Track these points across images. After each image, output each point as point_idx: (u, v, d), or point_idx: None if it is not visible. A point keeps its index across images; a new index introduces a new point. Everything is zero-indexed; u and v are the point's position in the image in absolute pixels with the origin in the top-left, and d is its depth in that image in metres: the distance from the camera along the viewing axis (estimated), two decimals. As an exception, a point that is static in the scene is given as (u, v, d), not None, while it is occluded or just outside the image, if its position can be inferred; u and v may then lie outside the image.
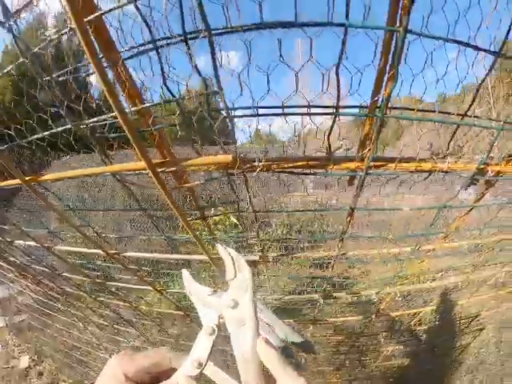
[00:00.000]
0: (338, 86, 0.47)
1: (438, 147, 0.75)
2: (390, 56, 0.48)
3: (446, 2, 0.51)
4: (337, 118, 0.54)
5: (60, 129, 0.64)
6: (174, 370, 0.47)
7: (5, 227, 2.16)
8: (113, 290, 1.95)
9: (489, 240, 1.19)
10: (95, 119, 0.58)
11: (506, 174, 0.70)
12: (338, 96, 0.48)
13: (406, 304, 1.83)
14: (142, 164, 0.55)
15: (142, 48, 0.49)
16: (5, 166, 0.85)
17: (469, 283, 1.74)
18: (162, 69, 0.50)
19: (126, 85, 0.50)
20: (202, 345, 0.48)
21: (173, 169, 0.58)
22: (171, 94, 0.50)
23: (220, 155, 0.49)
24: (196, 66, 0.42)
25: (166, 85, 0.52)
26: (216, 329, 0.49)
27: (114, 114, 0.54)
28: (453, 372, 2.64)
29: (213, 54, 0.40)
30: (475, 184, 0.77)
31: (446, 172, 0.73)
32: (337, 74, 0.47)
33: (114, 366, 0.45)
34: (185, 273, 0.57)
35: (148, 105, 0.52)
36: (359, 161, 0.58)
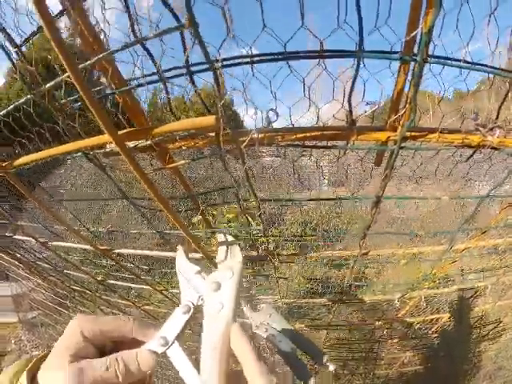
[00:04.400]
0: (360, 15, 0.32)
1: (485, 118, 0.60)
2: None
3: None
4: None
5: (21, 100, 0.52)
6: (137, 341, 0.45)
7: (6, 222, 2.11)
8: (115, 289, 1.88)
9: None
10: (52, 82, 0.46)
11: None
12: (361, 30, 0.33)
13: (430, 309, 1.66)
14: (106, 136, 0.42)
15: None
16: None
17: (497, 286, 1.58)
18: (126, 5, 0.37)
19: (79, 23, 0.37)
20: (174, 323, 0.46)
21: (147, 142, 0.45)
22: (135, 35, 0.37)
23: (202, 117, 0.36)
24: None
25: (133, 29, 0.38)
26: (192, 308, 0.47)
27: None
28: (470, 378, 2.51)
29: None
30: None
31: (495, 149, 0.58)
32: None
33: (73, 325, 0.43)
34: (180, 248, 0.54)
35: (111, 51, 0.38)
36: (391, 130, 0.43)
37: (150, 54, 0.40)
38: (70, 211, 0.97)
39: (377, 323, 1.64)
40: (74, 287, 2.28)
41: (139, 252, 1.01)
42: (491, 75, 0.52)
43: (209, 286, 0.47)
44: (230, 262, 0.50)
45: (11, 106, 0.65)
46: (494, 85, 0.57)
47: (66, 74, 0.43)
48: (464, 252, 0.97)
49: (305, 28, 0.33)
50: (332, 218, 6.57)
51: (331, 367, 0.59)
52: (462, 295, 1.72)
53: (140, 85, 0.44)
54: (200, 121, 0.36)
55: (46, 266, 2.15)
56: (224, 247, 0.52)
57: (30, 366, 0.42)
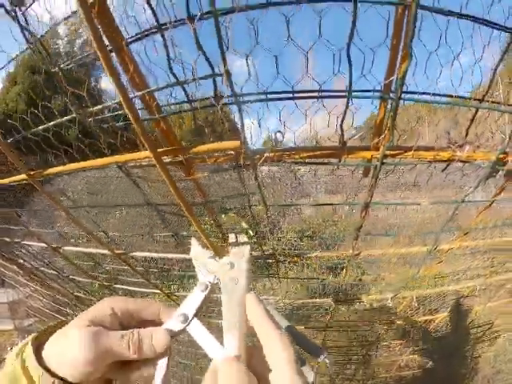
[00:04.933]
0: (350, 67, 0.45)
1: (456, 136, 0.72)
2: (403, 33, 0.46)
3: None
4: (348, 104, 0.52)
5: (65, 118, 0.63)
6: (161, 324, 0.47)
7: (15, 228, 2.19)
8: (120, 293, 1.95)
9: (507, 240, 1.14)
10: (100, 106, 0.58)
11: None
12: (351, 77, 0.46)
13: (422, 310, 1.77)
14: (147, 152, 0.54)
15: (146, 32, 0.49)
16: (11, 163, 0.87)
17: (486, 287, 1.69)
18: (167, 52, 0.49)
19: (129, 69, 0.50)
20: (192, 300, 0.49)
21: (179, 158, 0.57)
22: (175, 77, 0.49)
23: (228, 141, 0.48)
24: (200, 46, 0.41)
25: (171, 69, 0.51)
26: (209, 286, 0.51)
27: (118, 100, 0.54)
28: (468, 382, 2.57)
29: (218, 32, 0.39)
30: (494, 176, 0.74)
31: (465, 162, 0.70)
32: (348, 54, 0.45)
33: (103, 301, 0.46)
34: (193, 239, 0.60)
35: (152, 89, 0.51)
36: (374, 149, 0.56)
37: (186, 92, 0.52)
38: (90, 217, 1.08)
39: (374, 323, 1.75)
40: (77, 294, 2.33)
41: (153, 255, 1.12)
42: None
43: (223, 266, 0.53)
44: (240, 248, 0.56)
45: (52, 123, 0.75)
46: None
47: (117, 101, 0.56)
48: (449, 252, 1.09)
49: (308, 76, 0.46)
50: (328, 226, 6.67)
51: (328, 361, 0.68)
52: (453, 296, 1.84)
53: (178, 112, 0.56)
54: (228, 144, 0.48)
55: (51, 271, 2.20)
56: (233, 238, 0.59)
57: (36, 335, 0.43)
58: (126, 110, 0.50)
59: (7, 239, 1.87)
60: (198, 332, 0.47)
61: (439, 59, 0.55)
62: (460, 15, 0.46)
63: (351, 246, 0.91)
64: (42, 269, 2.32)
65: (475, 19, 0.48)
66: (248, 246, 0.56)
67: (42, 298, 3.18)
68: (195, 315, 0.48)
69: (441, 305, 1.86)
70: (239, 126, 0.51)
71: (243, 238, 0.60)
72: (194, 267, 0.60)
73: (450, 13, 0.44)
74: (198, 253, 0.58)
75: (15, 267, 2.84)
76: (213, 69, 0.45)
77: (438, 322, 1.92)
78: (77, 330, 0.41)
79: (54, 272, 2.09)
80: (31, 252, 2.18)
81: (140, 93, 0.51)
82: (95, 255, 1.77)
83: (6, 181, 1.01)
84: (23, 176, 0.90)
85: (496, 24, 0.54)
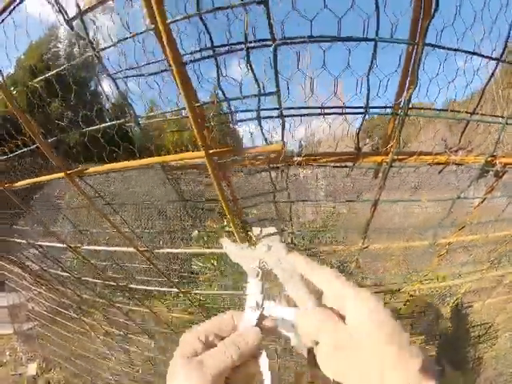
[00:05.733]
0: (368, 89, 0.59)
1: (451, 143, 0.87)
2: (411, 64, 0.61)
3: (455, 19, 0.64)
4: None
5: (120, 121, 0.74)
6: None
7: (27, 228, 2.27)
8: (130, 294, 2.03)
9: (500, 234, 1.28)
10: (153, 113, 0.71)
11: (513, 166, 0.81)
12: (368, 97, 0.60)
13: (423, 306, 1.89)
14: (199, 153, 0.67)
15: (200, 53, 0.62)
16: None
17: (484, 282, 1.79)
18: (217, 73, 0.61)
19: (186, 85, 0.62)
20: (253, 289, 0.56)
21: (227, 160, 0.70)
22: (224, 94, 0.62)
23: (271, 145, 0.62)
24: (252, 70, 0.54)
25: (219, 86, 0.63)
26: (260, 270, 0.59)
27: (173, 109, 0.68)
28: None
29: (275, 61, 0.53)
30: (485, 176, 0.89)
31: (459, 164, 0.85)
32: (367, 79, 0.59)
33: (185, 335, 0.49)
34: (225, 239, 0.68)
35: (205, 102, 0.64)
36: (384, 155, 0.70)
37: (230, 106, 0.66)
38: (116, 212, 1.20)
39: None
40: (85, 296, 2.39)
41: (179, 251, 1.24)
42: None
43: (263, 250, 0.62)
44: (268, 232, 0.65)
45: (103, 125, 0.85)
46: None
47: (176, 109, 0.69)
48: (447, 246, 1.23)
49: (336, 97, 0.60)
50: (328, 230, 6.79)
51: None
52: (453, 292, 1.96)
53: (222, 122, 0.70)
54: (271, 147, 0.62)
55: (62, 273, 2.24)
56: (258, 229, 0.67)
57: None
58: (190, 117, 0.61)
59: (23, 241, 1.96)
60: (274, 309, 0.54)
61: (438, 83, 0.70)
62: (456, 49, 0.61)
63: (360, 240, 1.05)
64: (51, 270, 2.37)
65: (467, 52, 0.63)
66: (274, 229, 0.66)
67: (44, 302, 3.22)
68: (263, 299, 0.55)
69: (442, 301, 1.98)
70: (264, 133, 0.64)
71: (269, 230, 0.69)
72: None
73: (448, 48, 0.58)
74: (233, 249, 0.66)
75: (19, 270, 2.90)
76: (259, 88, 0.59)
77: (440, 320, 2.03)
78: (181, 370, 0.43)
79: (66, 274, 2.16)
80: (42, 253, 2.25)
81: (199, 104, 0.64)
82: (114, 254, 1.86)
83: (43, 178, 1.12)
84: (61, 174, 1.00)
85: (484, 55, 0.68)
